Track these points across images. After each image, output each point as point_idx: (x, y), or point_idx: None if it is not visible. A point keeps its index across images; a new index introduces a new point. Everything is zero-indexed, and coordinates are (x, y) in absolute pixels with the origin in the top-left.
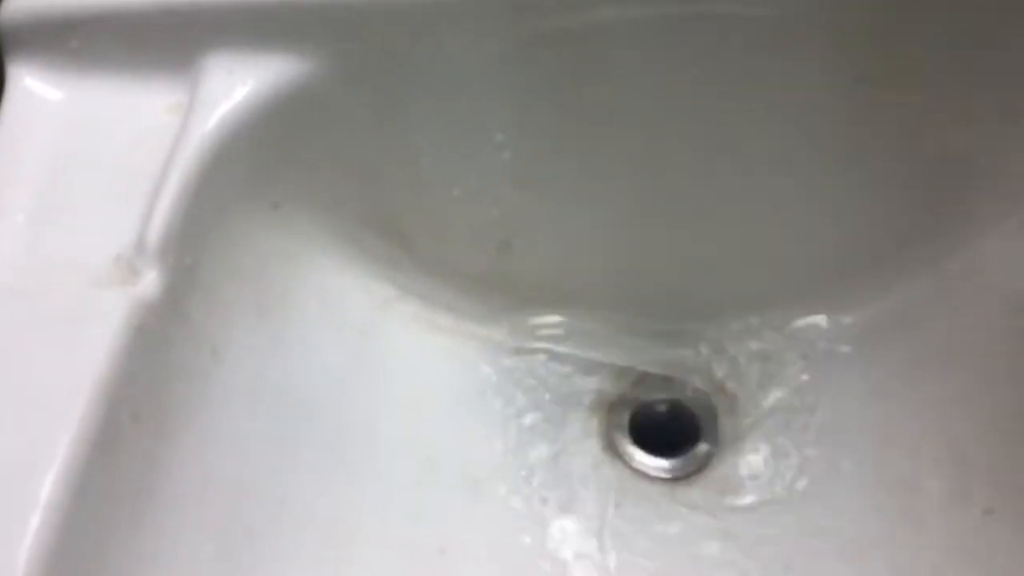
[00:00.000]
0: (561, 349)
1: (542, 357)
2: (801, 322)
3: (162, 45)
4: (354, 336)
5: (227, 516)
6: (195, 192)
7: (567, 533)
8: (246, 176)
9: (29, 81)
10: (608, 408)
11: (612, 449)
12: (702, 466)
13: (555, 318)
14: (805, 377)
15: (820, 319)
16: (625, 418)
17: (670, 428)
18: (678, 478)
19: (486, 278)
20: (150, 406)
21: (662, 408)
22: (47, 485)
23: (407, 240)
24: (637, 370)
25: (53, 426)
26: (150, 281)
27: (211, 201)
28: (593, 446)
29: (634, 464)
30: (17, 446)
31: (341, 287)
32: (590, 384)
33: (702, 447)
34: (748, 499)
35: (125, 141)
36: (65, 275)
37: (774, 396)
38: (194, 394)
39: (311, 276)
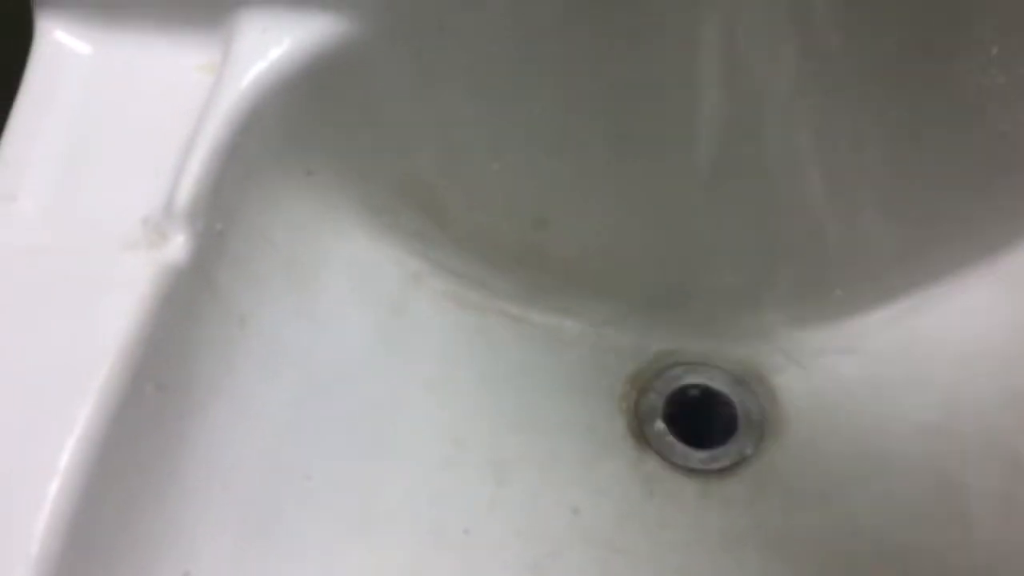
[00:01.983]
0: (594, 331)
1: (574, 338)
2: (843, 313)
3: (195, 0)
4: (384, 311)
5: (253, 489)
6: (226, 155)
7: (594, 519)
8: (279, 140)
9: (58, 34)
10: (640, 392)
11: (642, 436)
12: (736, 461)
13: (590, 299)
14: (847, 370)
15: (864, 311)
16: (658, 404)
17: (704, 416)
18: (712, 470)
19: (520, 255)
20: (175, 375)
21: (696, 395)
22: (67, 451)
23: (441, 213)
24: (672, 356)
25: (75, 392)
26: (178, 245)
27: (243, 165)
28: (623, 431)
29: (665, 452)
30: (38, 411)
31: (372, 259)
32: (622, 368)
33: (738, 440)
34: (784, 495)
35: (155, 99)
36: (91, 236)
37: (813, 389)
38: (220, 364)
39: (342, 247)
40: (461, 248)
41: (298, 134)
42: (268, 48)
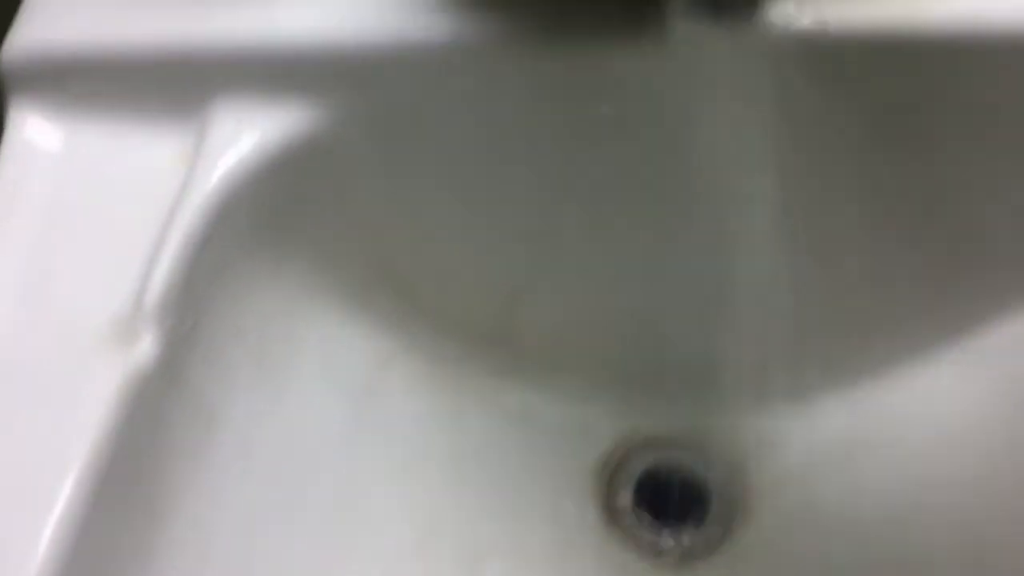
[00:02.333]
0: (567, 410)
1: (547, 418)
2: (810, 397)
3: (169, 90)
4: (356, 395)
5: None
6: (198, 249)
7: None
8: (251, 230)
9: (30, 126)
10: (612, 473)
11: (614, 519)
12: (708, 544)
13: (563, 379)
14: (812, 453)
15: (830, 395)
16: (629, 485)
17: (676, 497)
18: (683, 554)
19: (493, 335)
20: (142, 476)
21: (667, 476)
22: (34, 561)
23: (413, 294)
24: (644, 436)
25: (41, 502)
26: (148, 345)
27: (214, 258)
28: (594, 514)
29: (637, 535)
30: (5, 523)
31: (344, 342)
32: (595, 448)
33: (710, 522)
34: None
35: (127, 191)
36: (60, 337)
37: (782, 472)
38: (190, 461)
39: (314, 332)
40: (434, 328)
41: (270, 223)
42: (241, 139)
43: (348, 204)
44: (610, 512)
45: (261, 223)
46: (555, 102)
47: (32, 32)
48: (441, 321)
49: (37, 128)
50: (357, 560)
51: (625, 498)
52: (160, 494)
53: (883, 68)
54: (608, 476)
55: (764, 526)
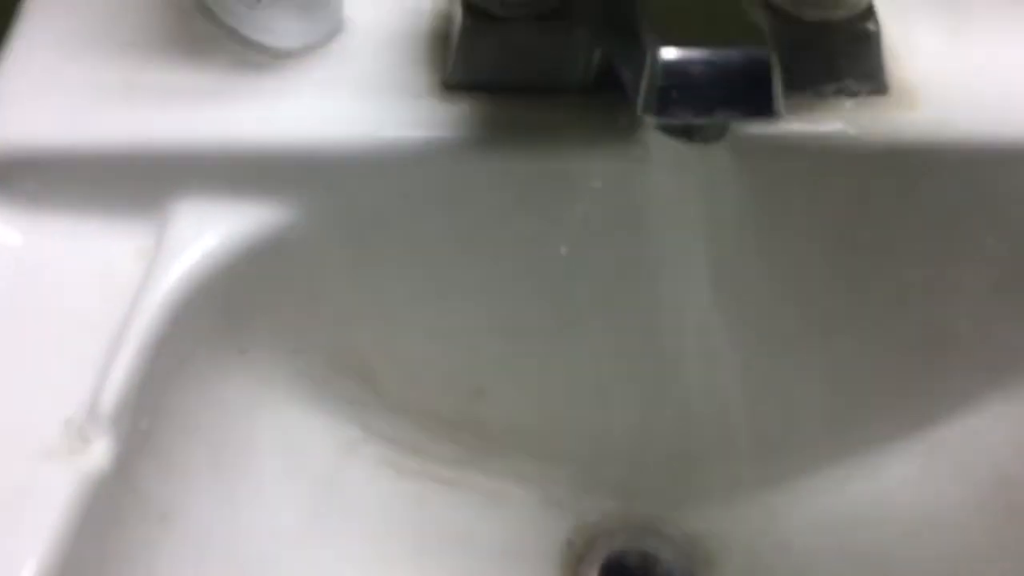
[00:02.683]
0: (531, 498)
1: (512, 505)
2: (779, 486)
3: (129, 187)
4: (317, 483)
5: None
6: (155, 349)
7: None
8: (212, 326)
9: None
10: (577, 560)
11: None
12: None
13: (527, 467)
14: (774, 541)
15: (796, 480)
16: (594, 572)
17: None
18: None
19: (457, 422)
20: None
21: (633, 562)
22: None
23: (376, 382)
24: (608, 523)
25: None
26: (101, 451)
27: (173, 357)
28: None
29: None
30: None
31: (306, 431)
32: (559, 535)
33: None
34: None
35: (86, 289)
36: (10, 443)
37: (745, 560)
38: (139, 564)
39: (274, 423)
40: (397, 416)
41: (232, 318)
42: (203, 235)
43: (313, 298)
44: None
45: (222, 320)
46: (526, 202)
47: None
48: (405, 410)
49: None
50: None
51: None
52: None
53: (848, 173)
54: (573, 562)
55: None
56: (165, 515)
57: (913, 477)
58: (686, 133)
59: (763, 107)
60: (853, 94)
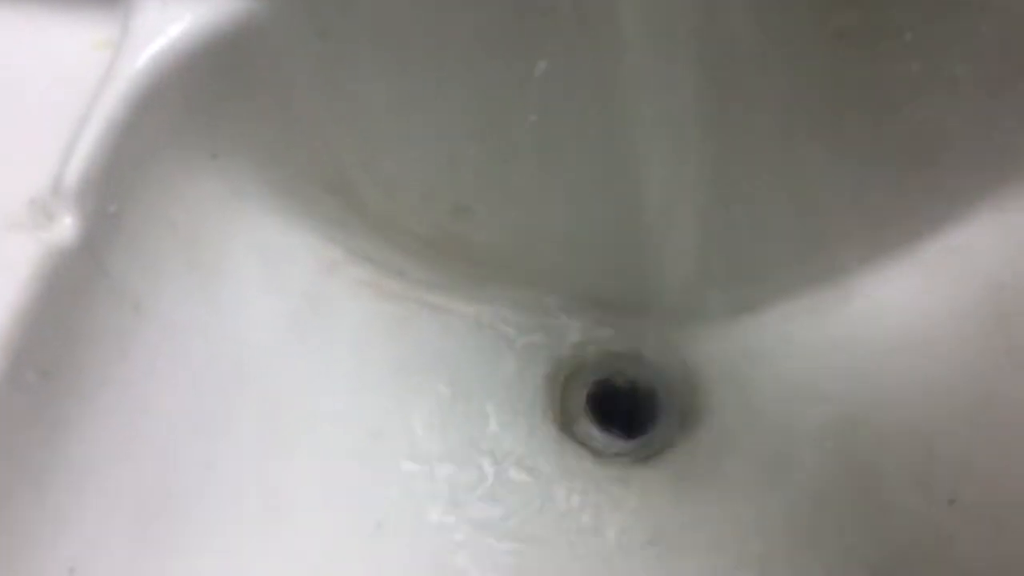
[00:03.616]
0: (514, 320)
1: (495, 328)
2: (761, 306)
3: None
4: (296, 299)
5: (148, 481)
6: (121, 134)
7: (510, 511)
8: (180, 121)
9: None
10: (563, 385)
11: (565, 425)
12: (656, 450)
13: (511, 288)
14: (765, 362)
15: (782, 303)
16: (580, 394)
17: (628, 408)
18: (632, 459)
19: (440, 243)
20: (61, 362)
21: (620, 386)
22: None
23: (357, 199)
24: (593, 347)
25: None
26: (66, 227)
27: (140, 145)
28: (547, 423)
29: (587, 442)
30: None
31: (284, 247)
32: (544, 359)
33: (659, 429)
34: (708, 484)
35: (50, 78)
36: None
37: (732, 379)
38: (112, 351)
39: (251, 233)
40: (380, 236)
41: (201, 115)
42: (168, 24)
43: (284, 100)
44: (563, 419)
45: (191, 113)
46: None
47: None
48: (388, 230)
49: None
50: (294, 461)
51: (576, 404)
52: (77, 381)
53: None
54: (559, 384)
55: (712, 434)
56: (139, 305)
57: (904, 293)
58: None
59: None
60: None
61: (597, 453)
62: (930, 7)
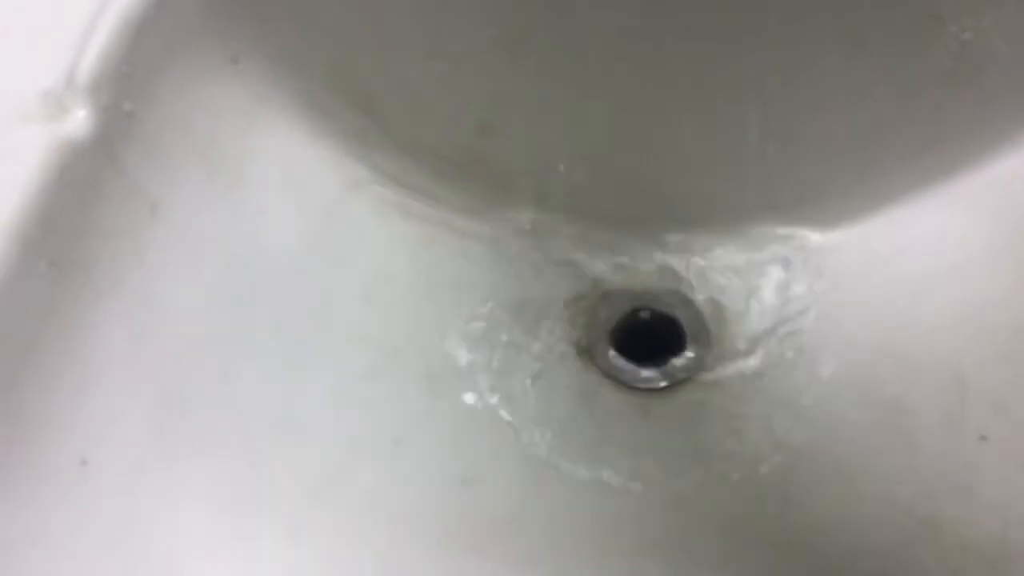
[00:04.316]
0: (539, 245)
1: (520, 253)
2: (794, 233)
3: None
4: (317, 213)
5: (162, 383)
6: (137, 30)
7: (531, 434)
8: (199, 20)
9: None
10: (586, 312)
11: (587, 352)
12: (680, 379)
13: (534, 212)
14: (796, 290)
15: (815, 232)
16: (603, 323)
17: (651, 336)
18: (655, 388)
19: (465, 163)
20: (73, 255)
21: (643, 315)
22: None
23: (381, 115)
24: (618, 274)
25: None
26: (80, 120)
27: (157, 41)
28: (567, 349)
29: (609, 369)
30: None
31: (307, 159)
32: (567, 285)
33: (684, 356)
34: (725, 415)
35: None
36: None
37: (761, 308)
38: (127, 251)
39: (272, 143)
40: (403, 154)
41: (220, 17)
42: None
43: (306, 5)
44: (583, 344)
45: (212, 12)
46: None
47: None
48: (413, 149)
49: None
50: (312, 375)
51: (599, 333)
52: (90, 276)
53: None
54: (583, 311)
55: (739, 365)
56: (155, 204)
57: (942, 224)
58: None
59: None
60: None
61: (622, 378)
62: None
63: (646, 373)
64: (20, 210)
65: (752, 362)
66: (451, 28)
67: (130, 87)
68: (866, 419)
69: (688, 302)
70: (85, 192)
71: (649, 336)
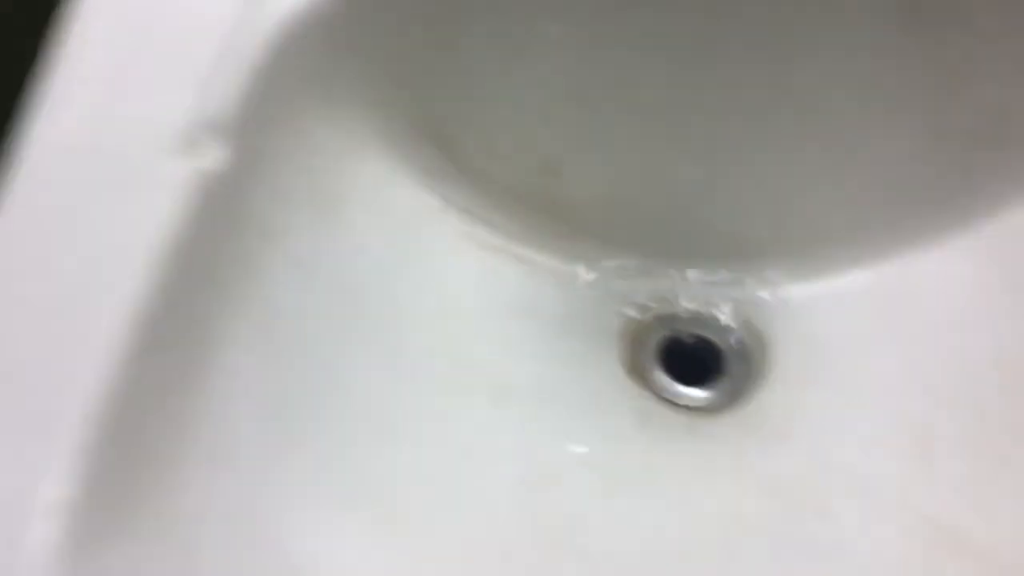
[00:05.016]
0: (599, 276)
1: (579, 283)
2: (827, 273)
3: None
4: (399, 239)
5: (279, 384)
6: (265, 76)
7: (590, 448)
8: (312, 69)
9: None
10: (639, 336)
11: (640, 375)
12: (724, 402)
13: (596, 245)
14: (833, 325)
15: (853, 274)
16: (655, 347)
17: (699, 360)
18: (704, 409)
19: (530, 198)
20: (211, 272)
21: (691, 341)
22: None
23: (455, 151)
24: (674, 306)
25: (120, 274)
26: (216, 156)
27: (279, 87)
28: (621, 371)
29: (660, 391)
30: (84, 295)
31: (387, 191)
32: (624, 312)
33: (727, 383)
34: (769, 437)
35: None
36: (132, 141)
37: (799, 342)
38: (251, 266)
39: (360, 176)
40: (473, 187)
41: (327, 68)
42: None
43: (398, 47)
44: (636, 368)
45: (322, 63)
46: None
47: None
48: (483, 184)
49: None
50: (397, 386)
51: (651, 357)
52: (224, 290)
53: None
54: (636, 337)
55: (778, 389)
56: (272, 230)
57: (952, 273)
58: None
59: None
60: None
61: (668, 403)
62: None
63: (693, 395)
64: (168, 236)
65: (791, 386)
66: (523, 78)
67: (256, 127)
68: (893, 436)
69: (735, 331)
70: (218, 219)
71: (698, 362)
